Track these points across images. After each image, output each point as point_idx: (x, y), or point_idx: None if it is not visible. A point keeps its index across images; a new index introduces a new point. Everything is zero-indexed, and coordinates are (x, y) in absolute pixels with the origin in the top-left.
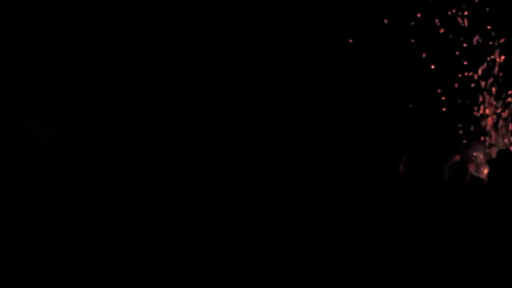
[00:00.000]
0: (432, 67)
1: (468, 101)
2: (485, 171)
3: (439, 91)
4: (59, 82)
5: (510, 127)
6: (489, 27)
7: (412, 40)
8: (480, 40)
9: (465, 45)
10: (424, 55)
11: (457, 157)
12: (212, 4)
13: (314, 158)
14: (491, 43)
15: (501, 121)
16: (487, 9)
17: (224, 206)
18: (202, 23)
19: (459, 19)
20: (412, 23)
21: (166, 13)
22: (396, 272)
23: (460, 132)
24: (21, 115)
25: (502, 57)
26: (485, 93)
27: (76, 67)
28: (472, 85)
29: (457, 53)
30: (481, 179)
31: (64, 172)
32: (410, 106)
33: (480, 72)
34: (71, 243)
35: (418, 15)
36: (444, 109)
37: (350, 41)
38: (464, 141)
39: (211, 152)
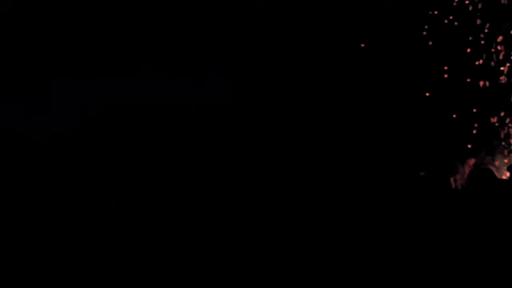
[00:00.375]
0: (445, 67)
1: (486, 105)
2: (506, 175)
3: (452, 89)
4: (59, 82)
5: None
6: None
7: (424, 33)
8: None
9: (482, 44)
10: (431, 50)
11: (474, 161)
12: (212, 4)
13: (313, 158)
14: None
15: None
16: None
17: (224, 206)
18: (202, 23)
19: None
20: (424, 21)
21: (166, 13)
22: (413, 277)
23: (478, 137)
24: (22, 115)
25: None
26: (504, 96)
27: (76, 67)
28: (491, 87)
29: (476, 61)
30: (507, 182)
31: (64, 173)
32: (435, 111)
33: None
34: (71, 243)
35: (435, 12)
36: (461, 113)
37: (362, 45)
38: (483, 146)
39: (211, 152)
